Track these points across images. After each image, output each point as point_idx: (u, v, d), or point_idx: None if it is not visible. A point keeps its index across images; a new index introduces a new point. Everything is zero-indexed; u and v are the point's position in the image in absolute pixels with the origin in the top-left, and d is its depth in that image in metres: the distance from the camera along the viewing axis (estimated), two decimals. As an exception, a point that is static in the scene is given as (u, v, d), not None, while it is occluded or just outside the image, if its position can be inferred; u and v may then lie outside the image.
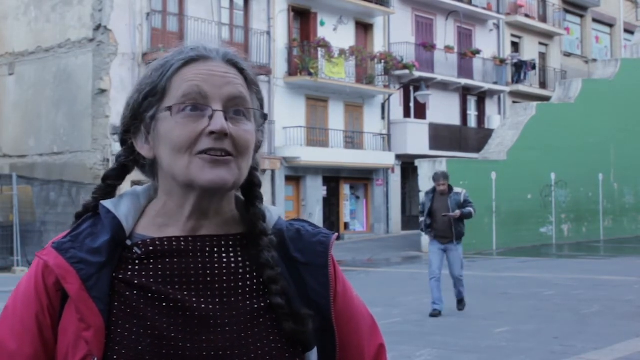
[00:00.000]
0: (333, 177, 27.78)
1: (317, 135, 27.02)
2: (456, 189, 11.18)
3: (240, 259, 1.28)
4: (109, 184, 1.35)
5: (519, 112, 25.99)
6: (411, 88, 30.44)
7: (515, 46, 36.35)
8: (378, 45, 29.46)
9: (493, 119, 33.83)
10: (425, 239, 22.71)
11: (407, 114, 30.56)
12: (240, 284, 1.26)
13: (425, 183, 22.59)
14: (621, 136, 28.23)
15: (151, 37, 22.40)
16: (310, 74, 25.74)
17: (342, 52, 26.83)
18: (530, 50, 36.68)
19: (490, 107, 34.79)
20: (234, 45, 26.23)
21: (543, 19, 37.66)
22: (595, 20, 41.53)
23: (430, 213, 10.90)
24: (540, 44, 37.66)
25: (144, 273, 1.25)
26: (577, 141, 26.51)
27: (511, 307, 11.43)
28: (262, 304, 1.26)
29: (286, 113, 25.75)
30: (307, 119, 26.76)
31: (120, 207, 1.30)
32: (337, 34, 27.61)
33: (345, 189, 28.55)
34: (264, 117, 1.35)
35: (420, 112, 30.91)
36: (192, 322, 1.22)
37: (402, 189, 30.13)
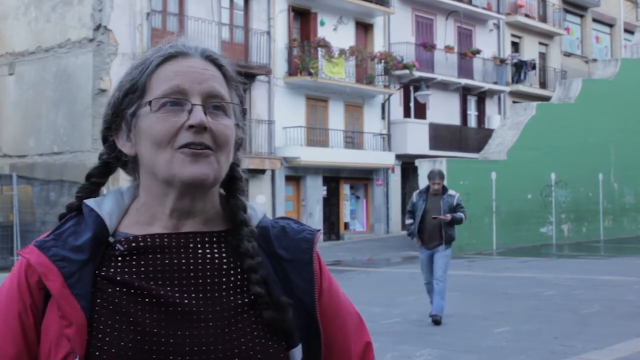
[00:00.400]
0: (333, 177, 27.78)
1: (317, 135, 27.02)
2: (450, 191, 10.51)
3: (224, 254, 1.29)
4: (93, 182, 1.37)
5: (519, 112, 25.99)
6: (411, 88, 30.44)
7: (515, 46, 36.35)
8: (378, 45, 29.47)
9: (493, 119, 33.83)
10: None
11: (407, 114, 30.56)
12: (224, 279, 1.27)
13: (425, 183, 22.60)
14: (621, 136, 28.23)
15: (151, 37, 22.40)
16: (310, 74, 25.75)
17: (342, 52, 26.84)
18: (530, 50, 36.69)
19: (490, 107, 34.79)
20: (234, 45, 26.27)
21: (543, 19, 37.66)
22: (595, 20, 41.53)
23: (423, 214, 10.23)
24: (540, 44, 37.66)
25: (126, 270, 1.25)
26: (577, 141, 26.51)
27: (511, 307, 11.42)
28: (246, 300, 1.26)
29: (286, 113, 25.75)
30: (307, 119, 26.76)
31: (103, 205, 1.30)
32: (337, 34, 27.62)
33: (345, 189, 28.56)
34: (243, 112, 1.36)
35: (420, 112, 30.91)
36: (175, 318, 1.22)
37: (402, 189, 30.14)
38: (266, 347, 1.24)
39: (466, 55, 32.43)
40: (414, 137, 29.40)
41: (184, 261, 1.26)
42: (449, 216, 10.07)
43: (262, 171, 24.67)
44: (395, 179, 29.70)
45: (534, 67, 35.57)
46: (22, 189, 18.69)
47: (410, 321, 10.20)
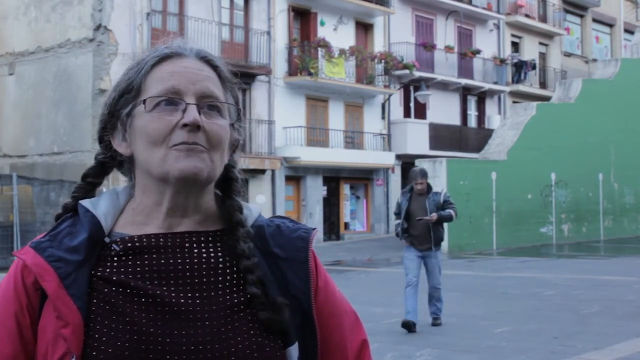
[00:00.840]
0: (333, 177, 27.78)
1: (317, 135, 27.02)
2: (436, 189, 10.12)
3: (220, 254, 1.29)
4: (89, 182, 1.37)
5: (519, 112, 25.99)
6: (411, 88, 30.44)
7: (515, 46, 36.35)
8: (378, 45, 29.47)
9: (493, 119, 33.83)
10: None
11: (407, 114, 30.56)
12: (220, 278, 1.27)
13: (425, 183, 22.61)
14: (621, 136, 28.23)
15: (151, 37, 22.40)
16: (310, 74, 25.75)
17: (342, 52, 26.84)
18: (530, 50, 36.69)
19: (491, 107, 34.79)
20: (234, 45, 26.23)
21: (543, 19, 37.67)
22: (595, 20, 41.53)
23: (407, 215, 9.75)
24: (540, 44, 37.66)
25: (122, 270, 1.25)
26: (577, 141, 26.51)
27: (511, 307, 11.42)
28: (242, 299, 1.26)
29: (286, 113, 25.75)
30: (307, 119, 26.76)
31: (98, 206, 1.31)
32: (337, 34, 27.62)
33: (345, 189, 28.56)
34: (239, 113, 1.36)
35: (421, 112, 30.91)
36: (172, 317, 1.22)
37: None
38: (263, 346, 1.24)
39: (466, 55, 32.43)
40: (414, 137, 29.40)
41: (179, 261, 1.27)
42: (434, 215, 9.58)
43: (262, 171, 24.67)
44: (396, 179, 29.70)
45: (534, 67, 35.57)
46: (22, 189, 18.70)
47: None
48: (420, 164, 22.97)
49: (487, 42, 34.14)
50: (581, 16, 40.97)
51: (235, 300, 1.26)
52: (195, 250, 1.28)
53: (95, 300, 1.23)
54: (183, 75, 1.28)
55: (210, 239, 1.30)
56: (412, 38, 30.73)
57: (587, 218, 27.17)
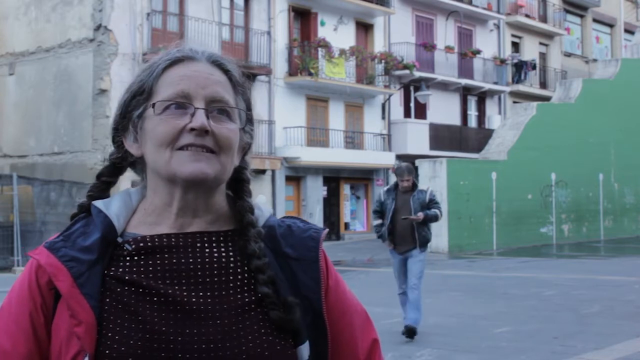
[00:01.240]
0: (333, 177, 27.78)
1: (317, 136, 27.02)
2: (421, 187, 9.53)
3: (231, 254, 1.31)
4: (104, 181, 1.39)
5: (519, 112, 25.99)
6: (411, 88, 30.44)
7: (516, 46, 36.35)
8: (378, 45, 29.47)
9: (493, 119, 33.83)
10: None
11: (407, 114, 30.56)
12: (231, 277, 1.28)
13: (425, 183, 22.61)
14: (621, 136, 28.23)
15: (151, 37, 22.40)
16: (310, 74, 25.75)
17: (342, 52, 26.84)
18: (530, 50, 36.69)
19: (491, 107, 34.79)
20: (234, 45, 26.25)
21: (543, 19, 37.66)
22: (595, 21, 41.53)
23: (393, 214, 9.13)
24: (541, 44, 37.66)
25: (134, 269, 1.27)
26: (578, 141, 26.51)
27: (511, 307, 11.42)
28: (253, 298, 1.28)
29: (286, 113, 25.76)
30: (307, 119, 26.76)
31: (111, 206, 1.33)
32: (338, 34, 27.62)
33: (345, 189, 28.56)
34: (251, 117, 1.37)
35: (421, 112, 30.91)
36: (183, 316, 1.24)
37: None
38: (274, 345, 1.25)
39: (466, 55, 32.43)
40: (414, 137, 29.40)
41: (191, 260, 1.28)
42: (421, 215, 8.97)
43: (263, 171, 24.67)
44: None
45: (534, 67, 35.57)
46: (23, 189, 18.70)
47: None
48: (420, 164, 22.99)
49: (487, 42, 34.13)
50: (581, 16, 40.97)
51: (247, 300, 1.27)
52: (207, 250, 1.30)
53: (108, 300, 1.25)
54: (193, 79, 1.29)
55: (221, 239, 1.32)
56: (412, 38, 30.73)
57: (587, 218, 27.17)
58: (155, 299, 1.24)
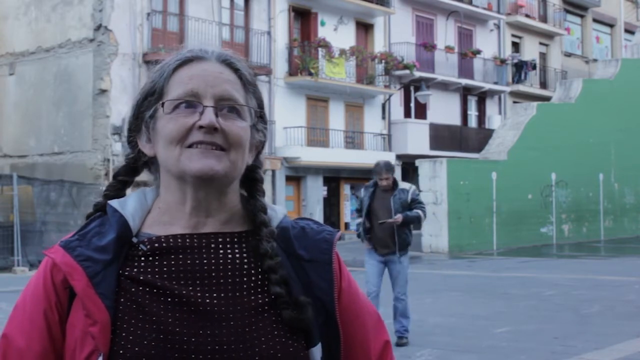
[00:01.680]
0: (333, 177, 27.78)
1: (317, 136, 27.02)
2: (403, 185, 8.68)
3: (245, 255, 1.31)
4: (120, 180, 1.40)
5: (519, 112, 25.99)
6: (411, 88, 30.44)
7: (516, 46, 36.35)
8: (378, 45, 29.47)
9: (493, 119, 33.84)
10: (425, 238, 22.77)
11: (407, 114, 30.56)
12: (244, 279, 1.29)
13: (425, 183, 22.61)
14: (621, 136, 28.23)
15: (151, 37, 22.40)
16: (310, 74, 25.75)
17: (342, 52, 26.84)
18: (530, 50, 36.69)
19: (491, 107, 34.79)
20: (234, 45, 26.29)
21: (543, 19, 37.67)
22: (595, 21, 41.53)
23: (368, 214, 8.48)
24: (541, 44, 37.67)
25: (149, 270, 1.28)
26: (578, 141, 26.51)
27: (511, 307, 11.42)
28: (267, 299, 1.28)
29: (286, 113, 25.76)
30: (307, 119, 26.77)
31: (126, 206, 1.33)
32: (338, 34, 27.62)
33: (345, 189, 28.56)
34: (263, 115, 1.38)
35: (421, 112, 30.91)
36: (197, 317, 1.24)
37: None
38: (286, 346, 1.26)
39: (466, 55, 32.43)
40: (415, 137, 29.40)
41: (205, 261, 1.29)
42: (399, 217, 8.26)
43: (263, 171, 24.67)
44: (396, 179, 29.66)
45: (534, 67, 35.57)
46: (23, 189, 18.69)
47: (410, 321, 10.18)
48: (420, 164, 22.98)
49: (487, 42, 34.13)
50: (581, 16, 40.97)
51: (260, 301, 1.28)
52: (221, 251, 1.30)
53: (122, 300, 1.25)
54: (202, 78, 1.30)
55: (235, 239, 1.32)
56: (412, 38, 30.73)
57: (587, 218, 27.17)
58: (169, 299, 1.25)
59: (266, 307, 1.27)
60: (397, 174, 29.49)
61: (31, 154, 23.23)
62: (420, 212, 8.46)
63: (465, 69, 32.36)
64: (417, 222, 8.60)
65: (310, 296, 1.29)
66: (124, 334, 1.22)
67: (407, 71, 29.24)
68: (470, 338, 8.98)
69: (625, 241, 26.59)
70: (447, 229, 22.26)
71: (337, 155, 26.81)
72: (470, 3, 33.03)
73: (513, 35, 36.04)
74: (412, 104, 30.74)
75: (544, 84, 37.31)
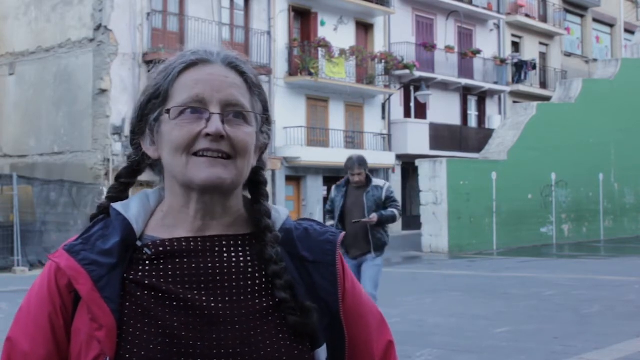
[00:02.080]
0: (333, 177, 27.75)
1: (317, 135, 27.03)
2: (376, 181, 8.08)
3: (249, 258, 1.31)
4: (122, 182, 1.39)
5: (519, 112, 25.99)
6: (411, 88, 30.45)
7: (516, 46, 36.35)
8: (378, 45, 29.47)
9: (493, 119, 33.84)
10: (425, 238, 22.77)
11: (407, 114, 30.56)
12: (249, 282, 1.29)
13: (425, 183, 22.61)
14: (621, 136, 28.23)
15: (151, 37, 22.40)
16: (310, 74, 25.75)
17: (342, 52, 26.84)
18: (530, 50, 36.69)
19: (491, 107, 34.79)
20: (234, 45, 26.31)
21: (543, 19, 37.67)
22: (595, 20, 41.53)
23: (341, 214, 7.99)
24: (541, 44, 37.67)
25: (154, 273, 1.27)
26: (578, 141, 26.51)
27: (511, 307, 11.42)
28: (271, 303, 1.28)
29: (286, 113, 25.76)
30: (307, 119, 26.77)
31: (130, 209, 1.33)
32: (338, 34, 27.62)
33: (345, 189, 28.51)
34: (268, 118, 1.38)
35: (421, 112, 30.91)
36: (202, 321, 1.24)
37: (403, 189, 30.13)
38: (291, 349, 1.26)
39: (466, 55, 32.43)
40: (415, 137, 29.41)
41: (209, 265, 1.29)
42: (374, 217, 7.77)
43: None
44: (396, 179, 29.68)
45: (534, 67, 35.57)
46: (23, 189, 18.68)
47: (410, 321, 10.19)
48: (420, 164, 22.99)
49: (487, 42, 34.13)
50: (581, 16, 40.97)
51: (264, 305, 1.28)
52: (225, 255, 1.30)
53: (127, 304, 1.25)
54: (208, 83, 1.29)
55: (239, 242, 1.32)
56: (412, 38, 30.74)
57: (587, 218, 27.17)
58: (174, 303, 1.25)
59: (271, 311, 1.27)
60: (397, 174, 29.50)
61: (31, 154, 23.23)
62: (394, 210, 7.92)
63: (465, 69, 32.36)
64: (392, 221, 8.01)
65: (314, 298, 1.29)
66: (129, 338, 1.22)
67: (407, 71, 29.25)
68: (470, 338, 8.98)
69: (625, 241, 26.59)
70: (447, 229, 22.26)
71: (337, 155, 26.76)
72: (470, 3, 33.03)
73: (513, 35, 36.04)
74: (412, 104, 30.74)
75: (544, 84, 37.31)
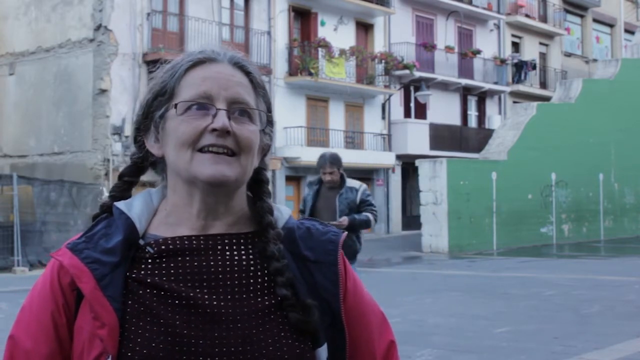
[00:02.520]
0: (333, 177, 27.76)
1: (317, 136, 27.03)
2: (351, 182, 7.36)
3: (251, 256, 1.31)
4: (126, 181, 1.40)
5: (519, 112, 25.99)
6: (411, 88, 30.45)
7: (516, 46, 36.35)
8: (378, 45, 29.47)
9: (493, 119, 33.84)
10: (425, 238, 22.77)
11: (407, 114, 30.57)
12: (251, 281, 1.29)
13: (425, 183, 22.61)
14: (621, 136, 28.23)
15: (151, 37, 22.41)
16: (310, 74, 25.76)
17: (342, 52, 26.85)
18: (530, 50, 36.69)
19: (491, 107, 34.79)
20: (234, 45, 26.44)
21: (543, 19, 37.67)
22: (595, 21, 41.54)
23: (310, 215, 7.17)
24: (541, 44, 37.67)
25: (156, 272, 1.28)
26: (578, 141, 26.51)
27: (511, 307, 11.42)
28: (273, 301, 1.29)
29: (286, 113, 25.76)
30: (307, 119, 26.77)
31: (133, 207, 1.33)
32: (338, 34, 27.62)
33: (345, 189, 28.52)
34: (271, 119, 1.39)
35: (421, 112, 30.91)
36: (204, 320, 1.25)
37: (403, 189, 30.13)
38: (293, 348, 1.26)
39: (466, 55, 32.44)
40: (415, 137, 29.41)
41: (212, 263, 1.29)
42: (344, 220, 7.05)
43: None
44: (396, 179, 29.69)
45: (534, 67, 35.58)
46: (23, 189, 18.68)
47: (410, 321, 10.19)
48: (420, 164, 22.99)
49: (487, 42, 34.14)
50: (581, 16, 40.98)
51: (267, 303, 1.28)
52: (227, 253, 1.30)
53: (130, 302, 1.26)
54: (215, 80, 1.30)
55: (241, 241, 1.32)
56: (412, 38, 30.74)
57: (587, 218, 27.17)
58: (176, 302, 1.25)
59: (273, 309, 1.28)
60: (397, 174, 29.50)
61: (31, 154, 23.23)
62: (370, 215, 7.20)
63: (465, 69, 32.37)
64: (366, 227, 7.31)
65: (315, 297, 1.30)
66: (132, 337, 1.23)
67: (407, 71, 29.25)
68: (470, 338, 8.98)
69: (625, 241, 26.59)
70: (447, 229, 22.26)
71: (337, 155, 26.78)
72: (470, 3, 33.03)
73: (513, 35, 36.04)
74: (412, 104, 30.75)
75: (544, 84, 37.32)
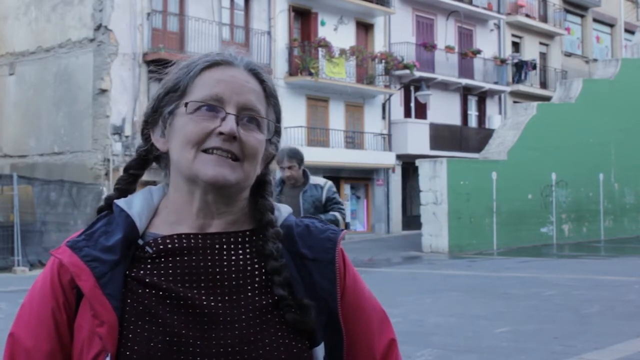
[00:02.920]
0: (334, 177, 27.75)
1: (317, 135, 27.03)
2: (315, 180, 6.86)
3: (248, 256, 1.31)
4: (131, 174, 1.40)
5: (519, 112, 25.99)
6: (412, 88, 30.45)
7: (516, 46, 36.35)
8: (378, 45, 29.47)
9: (494, 119, 33.84)
10: (425, 238, 22.77)
11: (407, 114, 30.57)
12: (249, 280, 1.29)
13: (425, 183, 22.61)
14: (621, 136, 28.22)
15: (152, 37, 22.41)
16: (310, 74, 25.76)
17: (342, 52, 26.85)
18: (530, 50, 36.69)
19: (491, 107, 34.79)
20: (235, 45, 26.39)
21: (544, 19, 37.67)
22: (595, 20, 41.53)
23: None
24: (541, 44, 37.67)
25: (155, 272, 1.28)
26: (578, 141, 26.50)
27: (511, 307, 11.42)
28: (270, 301, 1.29)
29: (287, 113, 25.65)
30: (307, 119, 26.77)
31: (133, 205, 1.34)
32: (338, 34, 27.63)
33: (345, 189, 28.57)
34: (279, 130, 1.39)
35: (421, 112, 30.92)
36: (202, 320, 1.25)
37: (403, 189, 30.13)
38: (290, 347, 1.26)
39: (467, 55, 32.44)
40: (415, 137, 29.41)
41: (209, 263, 1.29)
42: None
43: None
44: (396, 179, 29.69)
45: (534, 67, 35.58)
46: (23, 189, 18.69)
47: (410, 321, 10.19)
48: (420, 164, 22.98)
49: (487, 42, 34.14)
50: (582, 16, 40.98)
51: (264, 302, 1.28)
52: (225, 252, 1.31)
53: (129, 301, 1.26)
54: (229, 84, 1.31)
55: (239, 239, 1.32)
56: (412, 38, 30.74)
57: (587, 218, 27.16)
58: (175, 302, 1.26)
59: (270, 309, 1.28)
60: (397, 174, 29.50)
61: (31, 154, 23.23)
62: (337, 214, 6.70)
63: (466, 69, 32.37)
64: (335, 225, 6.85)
65: (313, 296, 1.30)
66: (130, 336, 1.23)
67: (407, 71, 29.25)
68: (470, 338, 8.98)
69: (625, 241, 26.59)
70: (447, 229, 22.26)
71: (337, 155, 26.81)
72: (470, 3, 33.04)
73: (513, 35, 36.04)
74: (412, 104, 30.75)
75: (544, 84, 37.31)
